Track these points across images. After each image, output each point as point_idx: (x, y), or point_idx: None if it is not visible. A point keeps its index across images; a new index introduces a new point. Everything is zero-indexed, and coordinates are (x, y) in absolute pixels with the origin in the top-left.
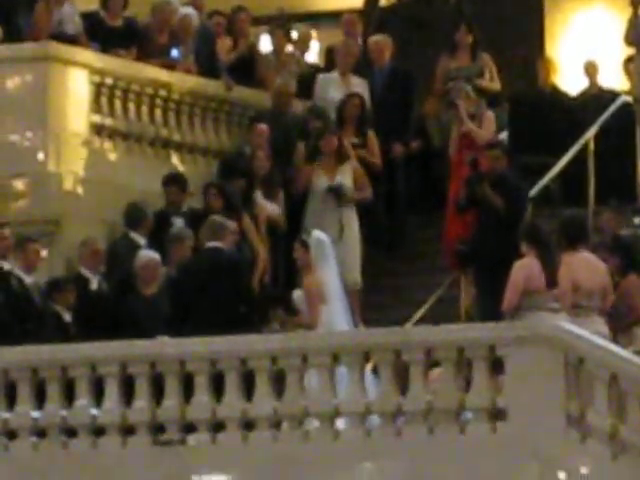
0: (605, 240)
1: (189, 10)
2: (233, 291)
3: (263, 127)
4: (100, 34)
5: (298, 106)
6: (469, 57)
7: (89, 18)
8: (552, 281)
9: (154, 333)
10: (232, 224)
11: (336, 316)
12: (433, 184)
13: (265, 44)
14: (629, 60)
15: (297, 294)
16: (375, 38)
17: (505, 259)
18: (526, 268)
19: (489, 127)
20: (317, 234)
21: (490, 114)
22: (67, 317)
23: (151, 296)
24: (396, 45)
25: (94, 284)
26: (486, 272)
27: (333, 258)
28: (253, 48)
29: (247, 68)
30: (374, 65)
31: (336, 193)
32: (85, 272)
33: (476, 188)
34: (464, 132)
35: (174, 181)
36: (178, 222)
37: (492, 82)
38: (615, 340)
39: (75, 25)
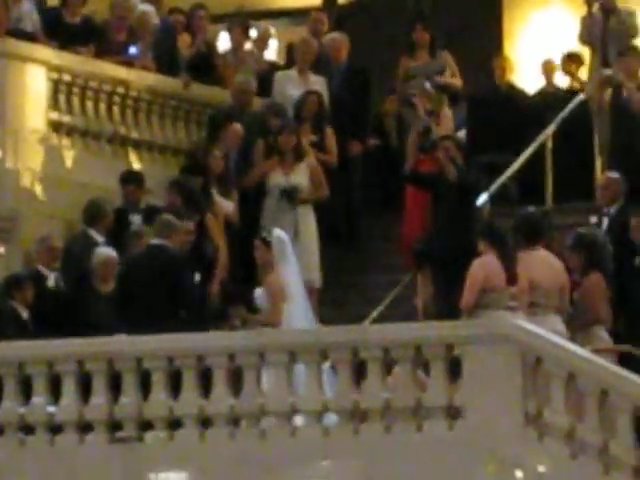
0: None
1: (147, 7)
2: (171, 290)
3: (238, 126)
4: (58, 31)
5: (257, 103)
6: (428, 55)
7: (47, 14)
8: (511, 279)
9: (112, 331)
10: (185, 224)
11: (297, 314)
12: (390, 182)
13: (224, 42)
14: (568, 58)
15: (258, 292)
16: (332, 36)
17: (461, 257)
18: (485, 266)
19: (447, 125)
20: (278, 232)
21: (448, 112)
22: (25, 314)
23: (108, 294)
24: (353, 43)
25: (51, 281)
26: (443, 270)
27: (293, 256)
28: (211, 45)
29: (205, 65)
30: (332, 62)
31: (288, 196)
32: (42, 269)
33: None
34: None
35: (131, 179)
36: (136, 219)
37: (454, 78)
38: (573, 339)
39: (33, 22)
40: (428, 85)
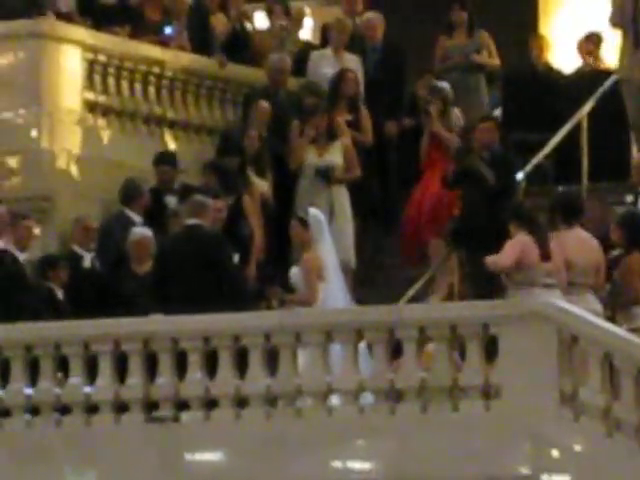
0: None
1: None
2: (212, 268)
3: (265, 104)
4: (93, 12)
5: (292, 83)
6: (466, 35)
7: None
8: (545, 258)
9: (147, 311)
10: (216, 202)
11: (334, 294)
12: None
13: (260, 21)
14: (588, 39)
15: (294, 272)
16: (368, 15)
17: (496, 236)
18: (521, 243)
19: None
20: (314, 212)
21: (456, 111)
22: (60, 295)
23: (144, 274)
24: (389, 22)
25: (87, 262)
26: (477, 249)
27: (329, 236)
28: (246, 25)
29: (241, 45)
30: (367, 42)
31: (323, 175)
32: (78, 249)
33: (465, 160)
34: (433, 132)
35: (164, 160)
36: (171, 200)
37: (491, 58)
38: (612, 317)
39: (67, 2)
40: (440, 84)
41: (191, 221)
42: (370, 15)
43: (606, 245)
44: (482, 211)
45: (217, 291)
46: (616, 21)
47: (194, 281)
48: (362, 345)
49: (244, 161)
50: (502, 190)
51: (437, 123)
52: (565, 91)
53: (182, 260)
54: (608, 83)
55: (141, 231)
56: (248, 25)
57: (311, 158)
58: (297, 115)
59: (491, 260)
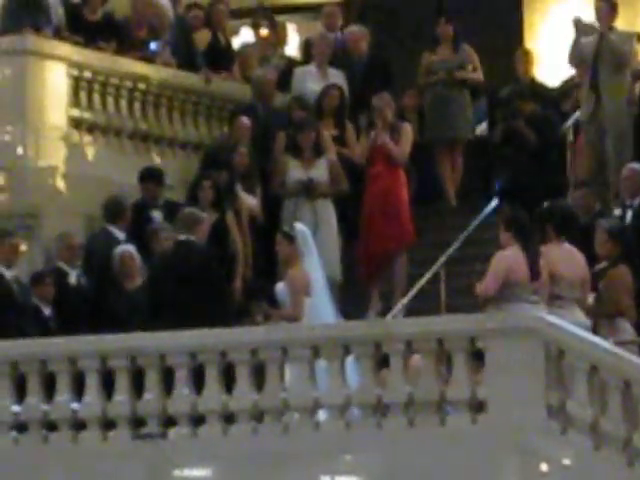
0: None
1: (165, 2)
2: (204, 285)
3: (245, 119)
4: (79, 28)
5: (278, 98)
6: (451, 49)
7: (68, 11)
8: (534, 275)
9: (136, 327)
10: (205, 216)
11: (320, 309)
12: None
13: (245, 36)
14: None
15: (279, 287)
16: (352, 28)
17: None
18: (509, 259)
19: (407, 139)
20: (300, 227)
21: (407, 126)
22: (46, 311)
23: (133, 290)
24: (375, 37)
25: (72, 278)
26: (526, 205)
27: (315, 250)
28: (230, 40)
29: (225, 60)
30: (352, 56)
31: (307, 189)
32: (63, 266)
33: (511, 123)
34: (380, 144)
35: (150, 176)
36: (156, 215)
37: (475, 73)
38: (596, 329)
39: (58, 17)
40: (389, 97)
41: (182, 237)
42: (354, 29)
43: (590, 258)
44: (528, 169)
45: (207, 308)
46: (574, 62)
47: (190, 298)
48: (350, 359)
49: (232, 177)
50: (544, 147)
51: (383, 134)
52: (551, 104)
53: (177, 277)
54: (571, 121)
55: (125, 248)
56: (234, 40)
57: (296, 172)
58: (283, 130)
59: (479, 289)
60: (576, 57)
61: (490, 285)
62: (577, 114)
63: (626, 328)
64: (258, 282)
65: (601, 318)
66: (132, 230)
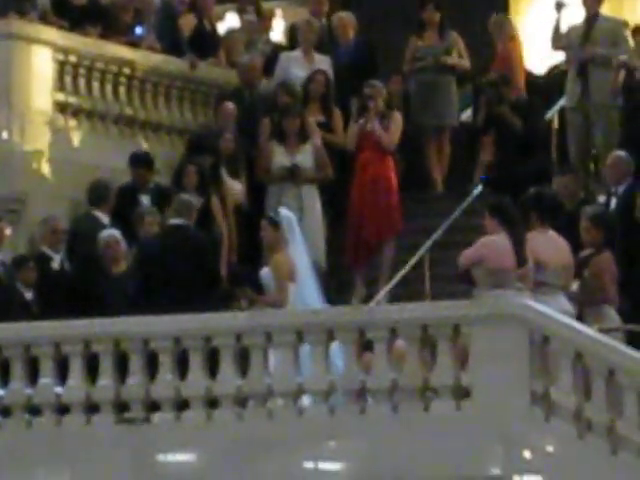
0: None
1: None
2: (198, 269)
3: (230, 105)
4: (65, 12)
5: (263, 84)
6: (437, 35)
7: None
8: (520, 261)
9: (121, 312)
10: (198, 201)
11: (305, 294)
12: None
13: (231, 22)
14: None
15: (264, 272)
16: (339, 15)
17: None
18: (494, 244)
19: (397, 127)
20: (285, 212)
21: (397, 115)
22: (28, 295)
23: (119, 274)
24: (362, 23)
25: (56, 263)
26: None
27: (300, 236)
28: (216, 26)
29: (210, 46)
30: (339, 42)
31: (291, 174)
32: (47, 251)
33: (495, 109)
34: (369, 131)
35: (141, 160)
36: (144, 199)
37: (461, 59)
38: (581, 316)
39: (43, 1)
40: (381, 86)
41: (175, 221)
42: (341, 15)
43: (574, 245)
44: (513, 157)
45: (204, 291)
46: (559, 45)
47: (182, 281)
48: (335, 344)
49: (217, 162)
50: (529, 133)
51: (373, 121)
52: (538, 90)
53: (170, 259)
54: (556, 108)
55: (110, 232)
56: (219, 25)
57: (281, 158)
58: (268, 115)
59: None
60: (561, 41)
61: (465, 257)
62: (562, 100)
63: (611, 315)
64: (242, 268)
65: (586, 305)
66: (118, 214)
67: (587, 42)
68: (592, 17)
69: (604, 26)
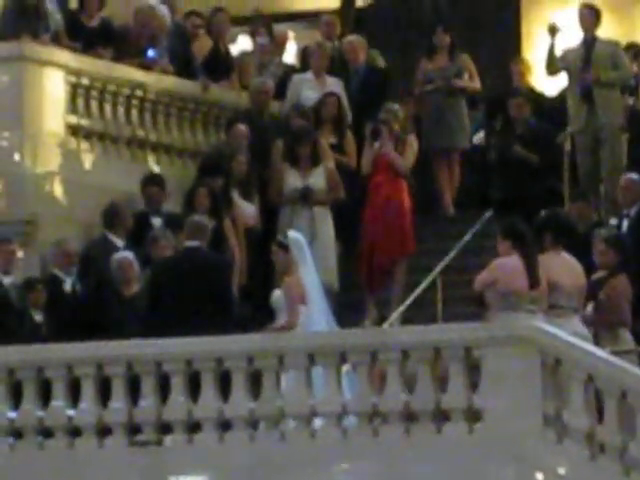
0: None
1: (164, 10)
2: (211, 291)
3: (242, 127)
4: (77, 35)
5: (274, 106)
6: (447, 58)
7: (66, 17)
8: (533, 283)
9: (134, 334)
10: (210, 223)
11: (316, 316)
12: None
13: (242, 44)
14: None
15: (276, 294)
16: (349, 38)
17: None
18: (508, 267)
19: (412, 152)
20: (294, 235)
21: (413, 138)
22: (37, 317)
23: (131, 296)
24: (372, 46)
25: (67, 285)
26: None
27: (311, 258)
28: (230, 48)
29: (224, 68)
30: (349, 65)
31: (303, 196)
32: (58, 273)
33: (506, 153)
34: (382, 153)
35: (154, 182)
36: (157, 222)
37: (472, 82)
38: (596, 338)
39: (56, 22)
40: (397, 108)
41: (191, 243)
42: (352, 38)
43: (587, 267)
44: (524, 178)
45: (218, 314)
46: (554, 69)
47: (194, 302)
48: (347, 367)
49: (227, 184)
50: (541, 160)
51: (388, 145)
52: (549, 113)
53: (183, 281)
54: (567, 131)
55: (123, 254)
56: (231, 48)
57: (293, 180)
58: (280, 138)
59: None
60: (557, 65)
61: (480, 278)
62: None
63: (626, 338)
64: (254, 290)
65: (601, 328)
66: (134, 237)
67: (588, 65)
68: (590, 40)
69: (603, 48)
